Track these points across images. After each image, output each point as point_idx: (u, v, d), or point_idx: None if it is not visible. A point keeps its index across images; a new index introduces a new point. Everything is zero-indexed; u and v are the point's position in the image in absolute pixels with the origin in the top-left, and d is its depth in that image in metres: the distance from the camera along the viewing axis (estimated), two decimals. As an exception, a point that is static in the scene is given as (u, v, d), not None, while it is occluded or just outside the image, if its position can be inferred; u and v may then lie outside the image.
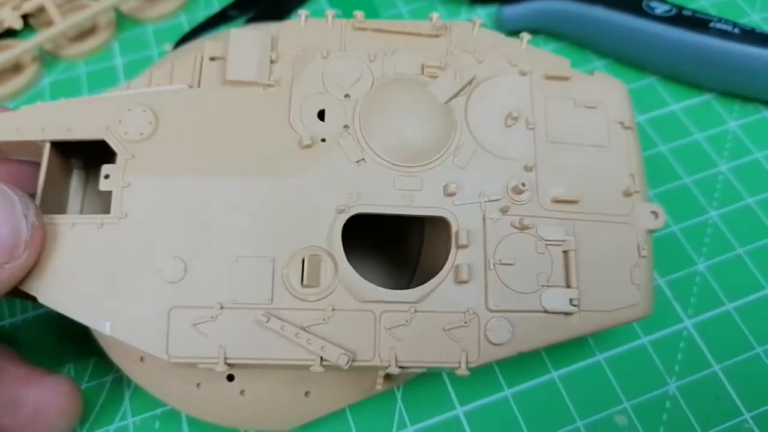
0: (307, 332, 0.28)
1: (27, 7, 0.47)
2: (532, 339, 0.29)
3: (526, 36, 0.33)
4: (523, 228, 0.29)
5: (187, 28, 0.51)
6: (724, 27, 0.42)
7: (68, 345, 0.35)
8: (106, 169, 0.29)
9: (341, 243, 0.28)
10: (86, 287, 0.28)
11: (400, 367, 0.28)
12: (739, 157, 0.44)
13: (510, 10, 0.46)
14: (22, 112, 0.31)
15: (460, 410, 0.36)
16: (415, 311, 0.28)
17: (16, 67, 0.47)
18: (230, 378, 0.32)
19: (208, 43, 0.32)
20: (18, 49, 0.46)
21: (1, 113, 0.31)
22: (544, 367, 0.37)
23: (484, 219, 0.30)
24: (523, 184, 0.29)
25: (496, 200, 0.30)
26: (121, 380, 0.36)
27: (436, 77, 0.31)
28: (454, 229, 0.29)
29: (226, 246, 0.29)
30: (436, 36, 0.33)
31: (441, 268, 0.29)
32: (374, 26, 0.33)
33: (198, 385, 0.32)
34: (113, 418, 0.35)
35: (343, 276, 0.28)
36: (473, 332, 0.28)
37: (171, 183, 0.29)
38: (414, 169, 0.30)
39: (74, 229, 0.29)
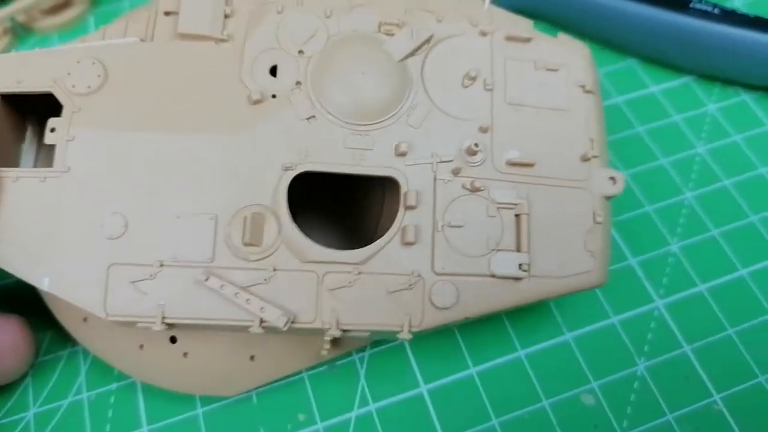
0: (248, 292, 0.27)
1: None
2: (479, 304, 0.28)
3: (488, -2, 0.32)
4: (475, 190, 0.29)
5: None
6: (704, 8, 0.42)
7: (24, 317, 0.35)
8: (52, 122, 0.29)
9: (286, 201, 0.28)
10: (26, 241, 0.27)
11: (342, 330, 0.27)
12: (717, 140, 0.44)
13: None
14: None
15: (423, 388, 0.35)
16: (359, 273, 0.28)
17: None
18: (173, 340, 0.31)
19: (162, -2, 0.31)
20: (-12, 20, 0.45)
21: None
22: (511, 345, 0.36)
23: (435, 180, 0.29)
24: (476, 145, 0.29)
25: (449, 161, 0.29)
26: (77, 354, 0.35)
27: (393, 35, 0.31)
28: (403, 189, 0.28)
29: (169, 203, 0.28)
30: (396, -6, 0.32)
31: None
32: (333, -18, 0.32)
33: (141, 346, 0.31)
34: (67, 392, 0.34)
35: (287, 235, 0.28)
36: (418, 295, 0.28)
37: (116, 138, 0.29)
38: (365, 127, 0.29)
39: (18, 183, 0.28)
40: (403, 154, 0.29)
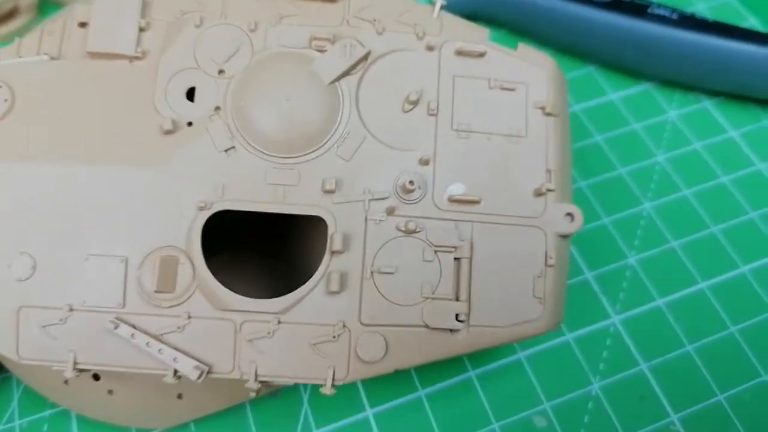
0: (160, 341, 0.25)
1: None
2: (410, 356, 0.26)
3: (438, 2, 0.28)
4: (410, 232, 0.26)
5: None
6: (662, 12, 0.40)
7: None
8: None
9: (200, 244, 0.25)
10: None
11: (260, 382, 0.25)
12: (677, 148, 0.41)
13: None
14: None
15: (370, 412, 0.33)
16: (279, 322, 0.25)
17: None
18: (96, 377, 0.30)
19: (77, 7, 0.28)
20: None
21: None
22: (462, 365, 0.34)
23: (366, 220, 0.26)
24: (411, 182, 0.26)
25: (383, 198, 0.26)
26: (10, 380, 0.34)
27: (325, 51, 0.27)
28: (330, 231, 0.26)
29: (78, 243, 0.26)
30: (332, 1, 0.28)
31: None
32: (262, -11, 0.28)
33: (66, 381, 0.30)
34: (-1, 419, 0.33)
35: (201, 281, 0.25)
36: (343, 347, 0.25)
37: (23, 170, 0.26)
38: (290, 160, 0.26)
39: None
40: (331, 191, 0.26)
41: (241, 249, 0.28)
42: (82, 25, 0.28)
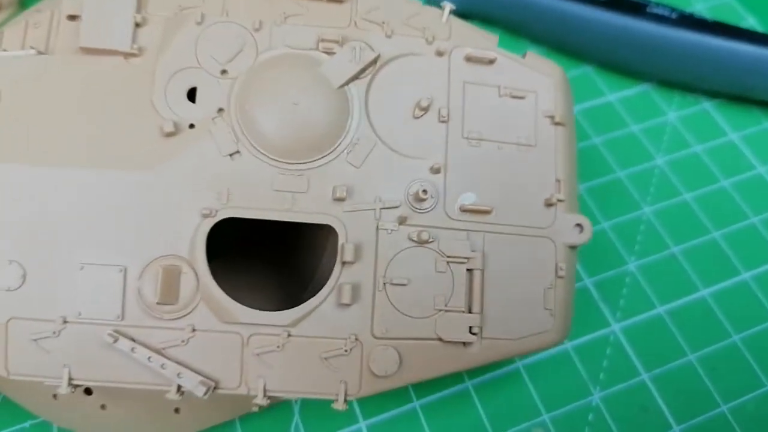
0: (162, 355, 0.24)
1: None
2: (423, 370, 0.25)
3: (448, 6, 0.28)
4: (423, 242, 0.25)
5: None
6: (660, 12, 0.40)
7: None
8: None
9: (204, 253, 0.24)
10: None
11: (269, 398, 0.24)
12: (677, 150, 0.41)
13: None
14: None
15: (363, 424, 0.32)
16: (289, 335, 0.24)
17: None
18: (88, 392, 0.28)
19: (65, -2, 0.26)
20: None
21: None
22: (458, 375, 0.34)
23: (377, 229, 0.25)
24: (425, 191, 0.25)
25: (394, 207, 0.26)
26: None
27: (333, 54, 0.26)
28: (340, 241, 0.25)
29: (72, 251, 0.24)
30: (339, 2, 0.27)
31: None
32: (266, -15, 0.27)
33: (54, 396, 0.28)
34: (-23, 432, 0.31)
35: (206, 292, 0.24)
36: (355, 361, 0.25)
37: (10, 172, 0.25)
38: (299, 166, 0.25)
39: None
40: (341, 199, 0.25)
41: (242, 254, 0.27)
42: (72, 17, 0.26)
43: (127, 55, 0.26)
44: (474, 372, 0.34)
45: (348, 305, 0.25)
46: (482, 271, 0.26)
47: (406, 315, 0.25)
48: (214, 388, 0.24)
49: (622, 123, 0.42)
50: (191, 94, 0.26)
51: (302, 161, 0.25)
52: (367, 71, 0.26)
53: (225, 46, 0.26)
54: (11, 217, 0.24)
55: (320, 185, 0.25)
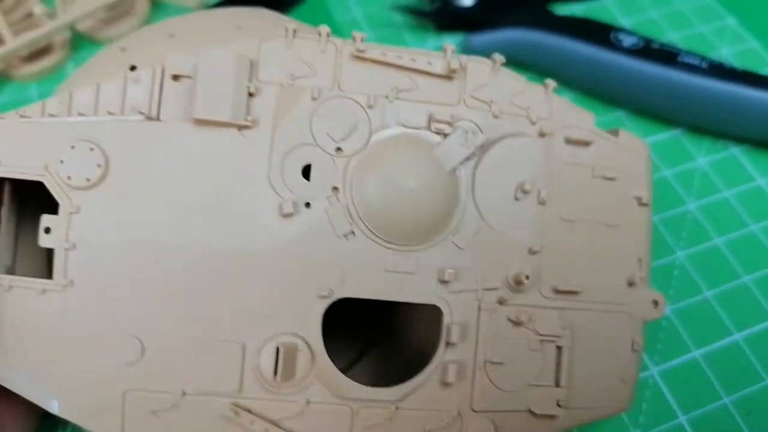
0: (279, 427, 0.25)
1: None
2: (513, 438, 0.27)
3: (551, 84, 0.28)
4: (519, 323, 0.27)
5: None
6: (692, 61, 0.41)
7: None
8: (46, 220, 0.25)
9: (321, 333, 0.25)
10: (29, 359, 0.25)
11: None
12: (707, 195, 0.42)
13: (478, 39, 0.44)
14: None
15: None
16: (396, 408, 0.26)
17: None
18: None
19: (170, 57, 0.26)
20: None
21: None
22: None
23: (479, 310, 0.27)
24: (527, 277, 0.27)
25: (494, 289, 0.27)
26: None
27: (444, 134, 0.27)
28: (446, 321, 0.26)
29: (190, 325, 0.25)
30: (449, 78, 0.27)
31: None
32: (377, 57, 0.27)
33: None
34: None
35: (321, 370, 0.25)
36: (454, 432, 0.27)
37: (124, 245, 0.25)
38: (409, 248, 0.26)
39: (11, 292, 0.24)
40: (447, 282, 0.26)
41: (342, 328, 0.28)
42: (176, 77, 0.26)
43: (241, 127, 0.26)
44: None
45: (451, 384, 0.26)
46: (570, 348, 0.28)
47: (501, 390, 0.27)
48: (326, 458, 0.26)
49: (654, 168, 0.42)
50: (305, 171, 0.26)
51: (414, 244, 0.26)
52: (474, 153, 0.27)
53: (340, 123, 0.26)
54: (131, 292, 0.25)
55: (428, 267, 0.26)
